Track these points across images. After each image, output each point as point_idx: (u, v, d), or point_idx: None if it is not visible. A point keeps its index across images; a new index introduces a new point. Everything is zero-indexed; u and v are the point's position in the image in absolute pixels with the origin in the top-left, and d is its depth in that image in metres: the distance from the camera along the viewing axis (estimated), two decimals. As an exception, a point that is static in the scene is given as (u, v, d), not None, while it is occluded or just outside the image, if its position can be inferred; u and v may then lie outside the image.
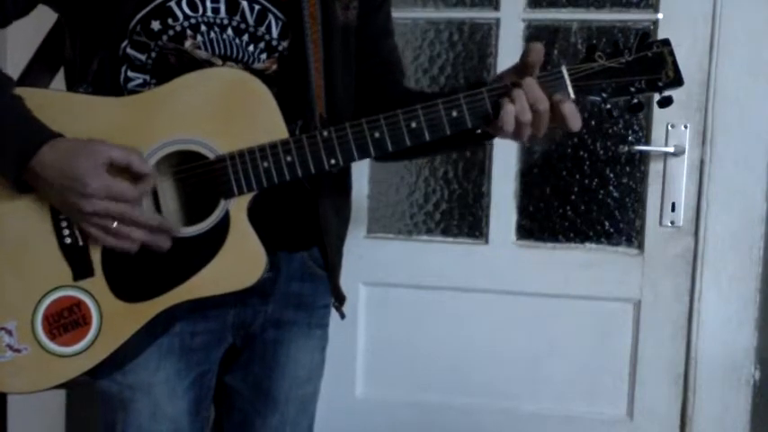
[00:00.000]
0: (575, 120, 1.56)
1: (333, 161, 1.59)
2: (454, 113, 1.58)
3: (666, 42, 1.59)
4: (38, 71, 1.81)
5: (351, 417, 2.76)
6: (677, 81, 1.59)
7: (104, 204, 1.53)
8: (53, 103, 1.61)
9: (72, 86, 1.72)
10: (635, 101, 1.60)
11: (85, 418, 2.86)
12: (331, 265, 1.86)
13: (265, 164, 1.58)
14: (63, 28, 1.74)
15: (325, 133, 1.58)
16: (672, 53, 1.58)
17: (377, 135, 1.58)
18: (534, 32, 2.64)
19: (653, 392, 2.61)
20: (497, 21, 2.64)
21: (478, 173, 2.71)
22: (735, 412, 2.56)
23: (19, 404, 2.86)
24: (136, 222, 1.56)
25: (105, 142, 1.55)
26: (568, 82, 1.57)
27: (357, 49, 1.83)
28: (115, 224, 1.55)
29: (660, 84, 1.58)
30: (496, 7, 2.64)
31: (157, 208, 1.62)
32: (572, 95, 1.57)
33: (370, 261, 2.74)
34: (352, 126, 1.58)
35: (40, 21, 1.76)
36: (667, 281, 2.58)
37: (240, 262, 1.61)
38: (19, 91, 1.60)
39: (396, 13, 1.99)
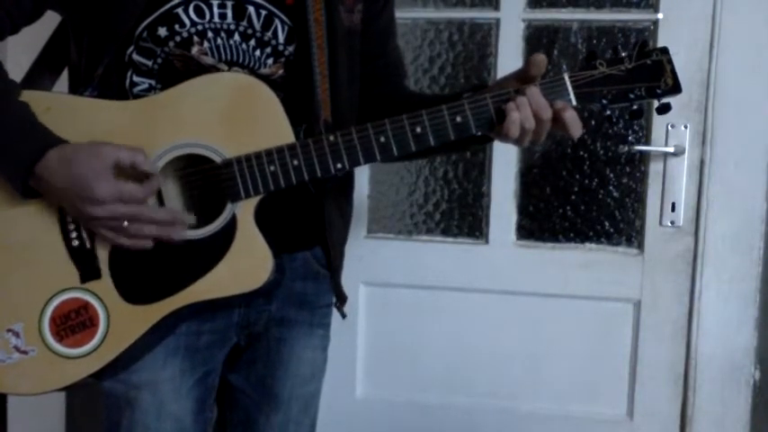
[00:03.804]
0: (576, 127, 1.58)
1: (339, 165, 1.60)
2: (458, 119, 1.59)
3: (665, 50, 1.60)
4: (41, 74, 1.81)
5: (351, 417, 2.77)
6: (676, 88, 1.60)
7: (115, 207, 1.54)
8: (59, 107, 1.61)
9: (76, 89, 1.73)
10: (634, 107, 1.61)
11: (85, 419, 2.86)
12: (334, 265, 1.87)
13: (272, 167, 1.59)
14: (67, 31, 1.75)
15: (332, 138, 1.59)
16: (670, 61, 1.60)
17: (382, 140, 1.59)
18: (534, 32, 2.64)
19: (653, 392, 2.62)
20: (497, 21, 2.64)
21: (478, 173, 2.72)
22: (735, 412, 2.57)
23: (19, 404, 2.86)
24: (148, 219, 1.57)
25: (109, 144, 1.55)
26: (570, 89, 1.59)
27: (361, 51, 1.83)
28: (125, 224, 1.56)
29: (659, 91, 1.60)
30: (496, 7, 2.65)
31: (163, 211, 1.62)
32: (574, 102, 1.59)
33: (370, 261, 2.74)
34: (357, 131, 1.59)
35: (42, 23, 1.76)
36: (667, 281, 2.59)
37: (247, 265, 1.62)
38: (25, 94, 1.60)
39: (396, 13, 1.99)
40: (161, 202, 1.63)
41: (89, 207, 1.53)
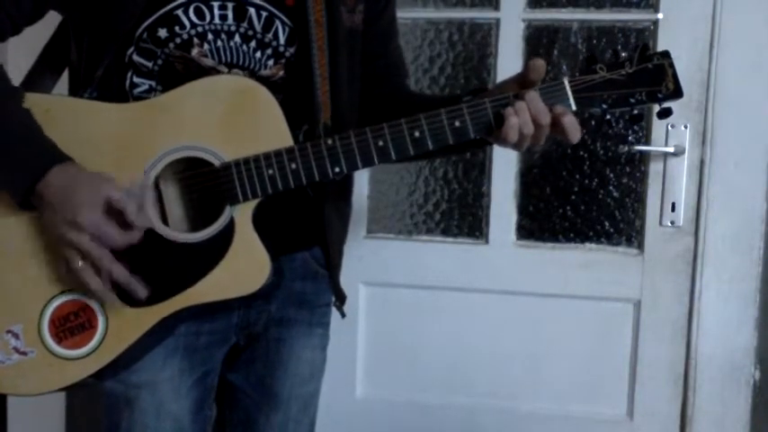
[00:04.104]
0: (574, 132, 1.58)
1: (337, 169, 1.60)
2: (457, 123, 1.59)
3: (666, 54, 1.59)
4: (41, 74, 1.81)
5: (351, 417, 2.77)
6: (677, 93, 1.59)
7: (85, 240, 1.53)
8: (59, 109, 1.61)
9: (76, 90, 1.73)
10: (635, 112, 1.61)
11: (85, 419, 2.86)
12: (332, 265, 1.87)
13: (270, 171, 1.58)
14: (67, 31, 1.75)
15: (330, 141, 1.59)
16: (672, 65, 1.59)
17: (380, 144, 1.59)
18: (534, 32, 2.64)
19: (653, 392, 2.62)
20: (497, 21, 2.64)
21: (478, 173, 2.71)
22: (735, 412, 2.57)
23: (19, 404, 2.86)
24: (102, 269, 1.55)
25: (111, 180, 1.55)
26: (570, 94, 1.59)
27: (362, 51, 1.83)
28: (80, 263, 1.55)
29: (660, 95, 1.59)
30: (496, 7, 2.64)
31: (163, 214, 1.62)
32: (574, 107, 1.58)
33: (370, 261, 2.74)
34: (356, 135, 1.59)
35: (42, 23, 1.75)
36: (667, 281, 2.59)
37: (245, 268, 1.62)
38: (25, 97, 1.59)
39: (396, 13, 1.99)
40: (161, 204, 1.62)
41: (66, 228, 1.53)
